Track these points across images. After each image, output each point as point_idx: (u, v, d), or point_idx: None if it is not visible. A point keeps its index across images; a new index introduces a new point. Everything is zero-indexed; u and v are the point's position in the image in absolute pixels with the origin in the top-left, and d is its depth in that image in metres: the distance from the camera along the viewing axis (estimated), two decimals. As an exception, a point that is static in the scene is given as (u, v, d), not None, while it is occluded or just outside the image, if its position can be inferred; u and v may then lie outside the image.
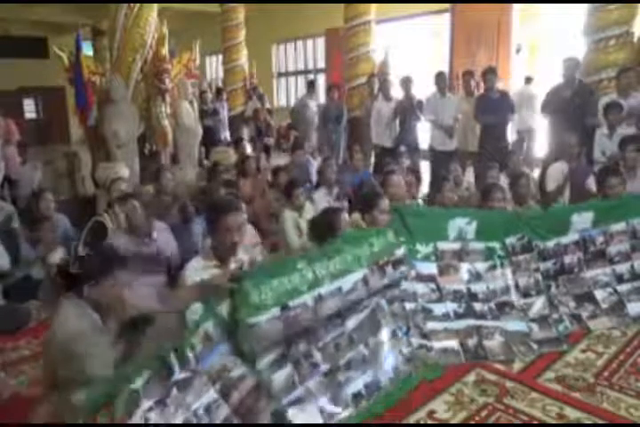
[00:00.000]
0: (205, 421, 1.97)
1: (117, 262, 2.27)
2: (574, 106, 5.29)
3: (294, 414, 2.18)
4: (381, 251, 2.61)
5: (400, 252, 2.70)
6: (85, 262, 2.25)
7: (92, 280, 2.18)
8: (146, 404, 1.84)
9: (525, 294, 3.05)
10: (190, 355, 2.01)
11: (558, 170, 4.79)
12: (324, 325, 2.36)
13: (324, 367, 2.32)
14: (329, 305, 2.31)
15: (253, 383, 2.16)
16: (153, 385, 1.88)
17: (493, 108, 5.83)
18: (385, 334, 2.58)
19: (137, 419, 1.80)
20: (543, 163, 5.73)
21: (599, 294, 3.18)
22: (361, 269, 2.48)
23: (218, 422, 2.00)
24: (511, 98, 6.18)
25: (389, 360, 2.53)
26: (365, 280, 2.49)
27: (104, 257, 2.29)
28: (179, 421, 1.89)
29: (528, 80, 8.36)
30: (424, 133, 6.91)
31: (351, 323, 2.46)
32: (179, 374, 1.96)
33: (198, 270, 2.64)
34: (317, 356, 2.32)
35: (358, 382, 2.37)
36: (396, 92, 7.01)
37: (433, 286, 2.96)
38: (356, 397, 2.33)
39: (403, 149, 6.41)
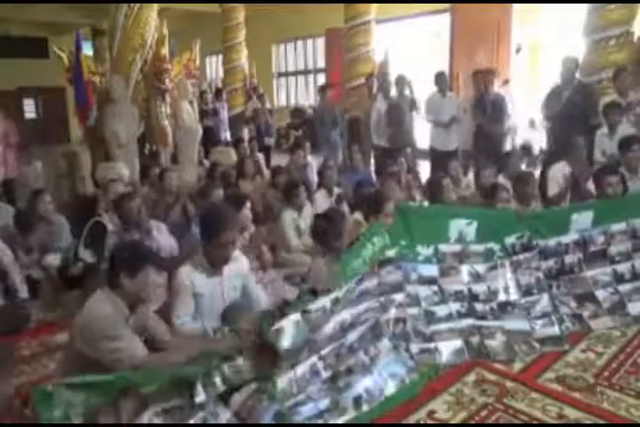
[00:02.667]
0: None
1: (151, 259, 2.35)
2: (574, 106, 5.28)
3: (292, 416, 2.19)
4: (379, 250, 2.71)
5: (391, 253, 2.79)
6: (118, 254, 2.34)
7: (125, 272, 2.25)
8: (155, 408, 1.89)
9: (527, 293, 3.04)
10: (217, 379, 2.03)
11: (560, 172, 4.78)
12: (326, 334, 2.40)
13: (325, 375, 2.34)
14: (342, 306, 2.42)
15: (255, 386, 2.17)
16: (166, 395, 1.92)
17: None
18: (386, 344, 2.61)
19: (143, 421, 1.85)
20: (544, 163, 5.73)
21: (600, 294, 3.17)
22: (364, 269, 2.58)
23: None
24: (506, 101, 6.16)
25: (391, 368, 2.54)
26: (361, 278, 2.58)
27: (138, 252, 2.37)
28: None
29: (506, 82, 8.71)
30: (424, 133, 6.90)
31: (353, 335, 2.50)
32: (198, 412, 1.98)
33: (190, 275, 2.67)
34: (319, 364, 2.34)
35: (358, 387, 2.37)
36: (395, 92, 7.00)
37: (435, 288, 2.95)
38: (357, 401, 2.33)
39: (409, 150, 6.38)
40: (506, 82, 9.00)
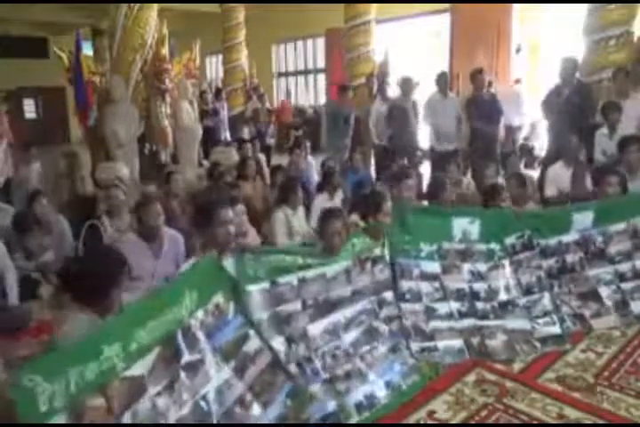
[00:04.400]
0: (216, 405, 1.96)
1: (119, 269, 2.29)
2: (572, 106, 5.29)
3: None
4: (361, 249, 2.83)
5: (378, 251, 2.86)
6: (87, 267, 2.26)
7: (97, 285, 2.18)
8: (153, 389, 1.82)
9: (528, 292, 3.05)
10: (199, 333, 2.03)
11: (558, 173, 4.78)
12: (320, 333, 2.48)
13: (324, 376, 2.37)
14: (312, 288, 2.52)
15: (270, 359, 2.21)
16: (159, 369, 1.85)
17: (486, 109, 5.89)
18: (382, 350, 2.63)
19: (144, 405, 1.77)
20: (543, 162, 5.74)
21: (604, 292, 3.17)
22: (344, 262, 2.68)
23: (230, 402, 2.00)
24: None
25: (388, 374, 2.55)
26: (347, 271, 2.68)
27: (107, 263, 2.27)
28: (186, 407, 1.88)
29: (517, 81, 9.15)
30: (424, 133, 6.90)
31: (347, 338, 2.55)
32: (189, 356, 1.96)
33: None
34: (317, 362, 2.38)
35: (358, 393, 2.39)
36: (394, 93, 6.99)
37: (437, 284, 2.97)
38: (358, 406, 2.35)
39: (410, 150, 6.37)
40: (517, 81, 9.07)
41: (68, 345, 1.84)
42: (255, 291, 2.34)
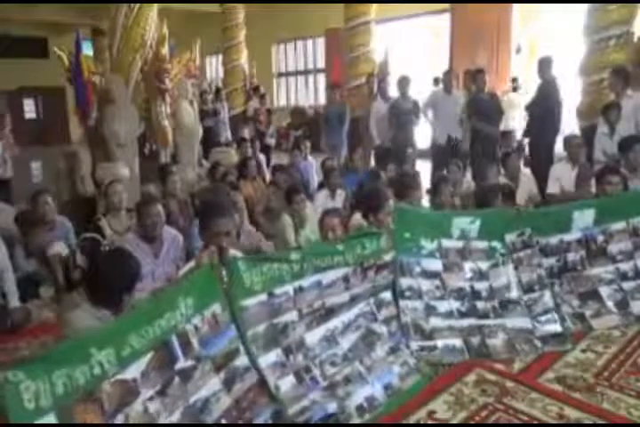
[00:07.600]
0: (203, 415, 1.97)
1: (136, 272, 2.44)
2: (540, 105, 5.41)
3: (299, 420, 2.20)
4: (370, 254, 2.71)
5: (388, 257, 2.79)
6: (108, 269, 2.35)
7: (115, 287, 2.32)
8: (145, 393, 1.82)
9: (529, 290, 3.05)
10: (194, 340, 2.03)
11: (563, 171, 4.81)
12: (318, 340, 2.46)
13: (324, 383, 2.37)
14: (308, 297, 2.45)
15: (257, 378, 2.19)
16: (153, 373, 1.86)
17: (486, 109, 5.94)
18: (380, 353, 2.62)
19: (136, 408, 1.78)
20: (530, 160, 5.82)
21: (604, 291, 3.17)
22: (344, 267, 2.59)
23: (216, 414, 2.01)
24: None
25: (388, 376, 2.55)
26: (346, 278, 2.60)
27: (122, 282, 2.37)
28: (177, 413, 1.89)
29: (513, 81, 9.11)
30: (424, 133, 6.90)
31: (345, 343, 2.53)
32: (183, 362, 1.97)
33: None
34: (316, 371, 2.38)
35: (359, 396, 2.39)
36: (394, 93, 7.00)
37: (438, 282, 2.97)
38: (359, 409, 2.34)
39: (410, 151, 6.38)
40: (513, 80, 9.08)
41: (56, 347, 1.85)
42: (252, 305, 2.27)
